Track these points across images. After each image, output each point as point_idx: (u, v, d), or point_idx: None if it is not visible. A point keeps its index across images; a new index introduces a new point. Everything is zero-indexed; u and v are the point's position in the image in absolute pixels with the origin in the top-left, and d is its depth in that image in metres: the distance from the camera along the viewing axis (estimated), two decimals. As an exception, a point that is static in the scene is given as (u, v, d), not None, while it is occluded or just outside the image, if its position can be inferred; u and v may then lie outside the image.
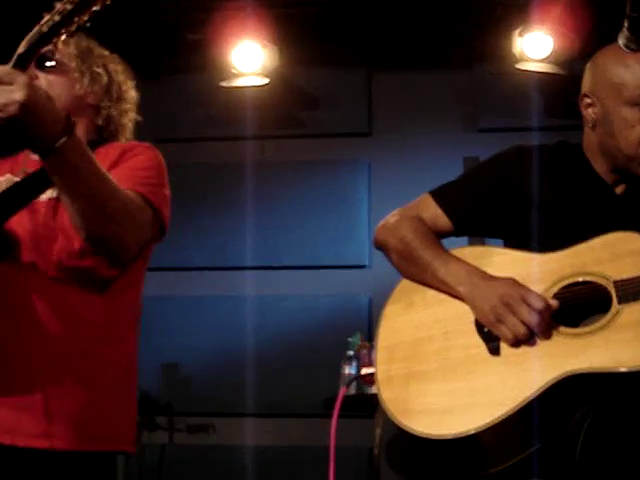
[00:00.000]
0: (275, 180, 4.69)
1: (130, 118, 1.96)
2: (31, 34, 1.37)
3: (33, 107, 1.35)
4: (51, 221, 1.69)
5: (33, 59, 1.40)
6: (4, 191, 1.55)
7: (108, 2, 1.33)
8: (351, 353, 3.80)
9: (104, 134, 1.88)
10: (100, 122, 1.88)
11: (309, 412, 4.27)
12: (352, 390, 3.78)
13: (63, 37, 1.36)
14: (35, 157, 1.79)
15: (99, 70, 1.86)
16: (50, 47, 1.39)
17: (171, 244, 4.48)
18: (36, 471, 1.61)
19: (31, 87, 1.36)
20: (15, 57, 1.37)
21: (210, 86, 4.57)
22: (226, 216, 4.62)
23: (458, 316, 1.72)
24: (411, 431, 1.63)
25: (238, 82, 4.44)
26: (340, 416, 4.10)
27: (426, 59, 4.71)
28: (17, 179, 1.68)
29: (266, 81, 4.43)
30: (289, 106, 4.75)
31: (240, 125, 4.61)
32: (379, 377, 1.76)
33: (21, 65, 1.37)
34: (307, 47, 4.59)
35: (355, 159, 4.72)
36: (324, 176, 4.68)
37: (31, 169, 1.75)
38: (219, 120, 4.75)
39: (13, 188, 1.55)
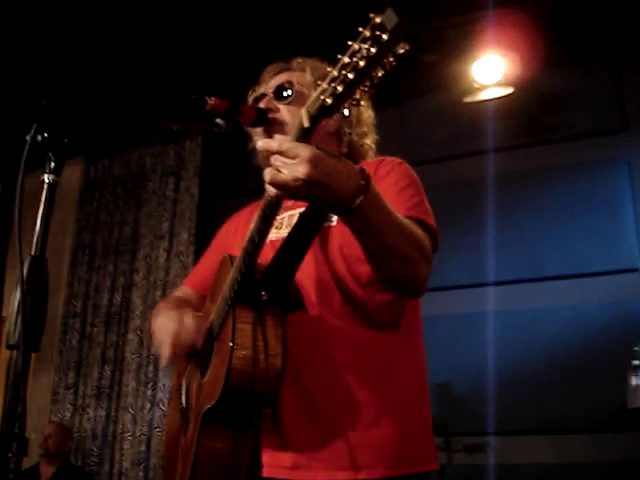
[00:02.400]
0: (529, 190, 4.56)
1: (371, 140, 1.90)
2: (311, 104, 1.28)
3: (318, 179, 1.29)
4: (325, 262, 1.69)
5: (313, 132, 1.31)
6: (287, 240, 1.52)
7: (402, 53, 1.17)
8: (637, 362, 3.56)
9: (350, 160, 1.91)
10: (344, 149, 1.83)
11: (593, 427, 4.05)
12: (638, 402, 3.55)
13: (346, 107, 1.25)
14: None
15: None
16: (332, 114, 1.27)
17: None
18: None
19: (314, 159, 1.29)
20: (298, 130, 1.32)
21: (453, 103, 4.57)
22: (482, 231, 4.54)
23: None
24: None
25: (482, 95, 4.41)
26: (621, 430, 3.87)
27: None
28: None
29: (510, 90, 4.36)
30: (536, 112, 4.62)
31: (487, 138, 4.56)
32: None
33: (304, 137, 1.32)
34: (547, 50, 4.44)
35: (612, 158, 4.46)
36: (581, 179, 4.47)
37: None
38: (465, 136, 4.72)
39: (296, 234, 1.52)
